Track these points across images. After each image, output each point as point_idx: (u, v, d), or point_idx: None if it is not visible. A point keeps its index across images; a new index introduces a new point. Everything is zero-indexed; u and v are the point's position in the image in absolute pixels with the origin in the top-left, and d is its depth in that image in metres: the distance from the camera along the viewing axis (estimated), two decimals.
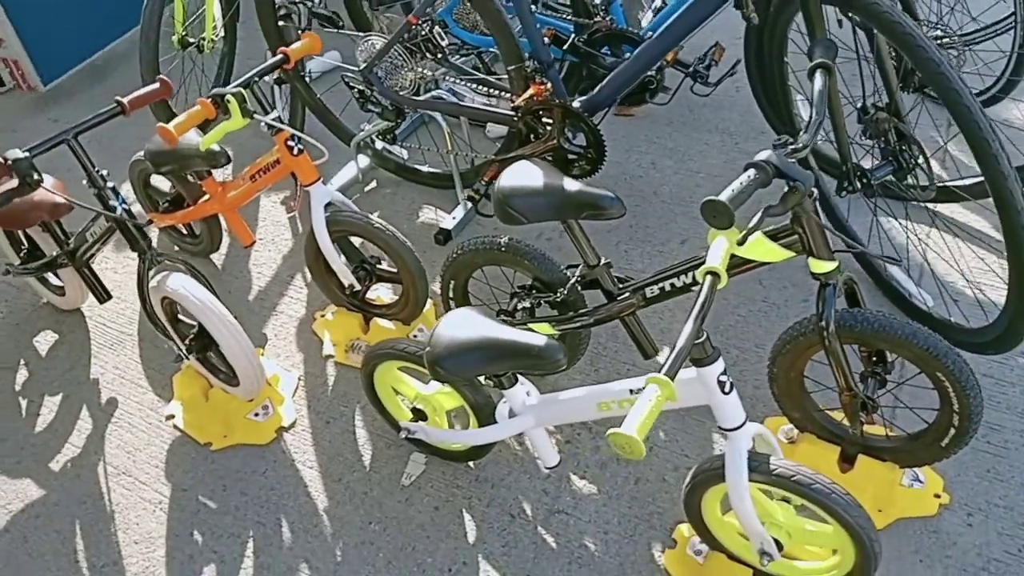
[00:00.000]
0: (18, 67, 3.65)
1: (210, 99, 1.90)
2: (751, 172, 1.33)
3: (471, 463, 1.97)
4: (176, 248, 2.71)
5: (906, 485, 1.79)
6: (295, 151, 2.04)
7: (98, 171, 1.87)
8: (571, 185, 1.74)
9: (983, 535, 1.73)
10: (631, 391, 1.52)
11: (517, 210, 1.75)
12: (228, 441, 2.07)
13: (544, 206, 1.74)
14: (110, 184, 1.89)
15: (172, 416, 2.16)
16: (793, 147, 1.39)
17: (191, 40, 3.21)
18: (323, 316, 2.39)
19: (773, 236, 1.58)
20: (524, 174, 1.78)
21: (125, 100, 1.90)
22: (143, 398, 2.23)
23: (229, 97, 1.89)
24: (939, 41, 2.45)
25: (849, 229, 2.25)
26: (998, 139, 1.52)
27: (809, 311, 1.70)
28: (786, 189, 1.37)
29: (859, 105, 1.99)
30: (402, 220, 2.74)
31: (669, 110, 3.11)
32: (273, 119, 1.98)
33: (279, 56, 2.04)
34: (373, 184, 2.94)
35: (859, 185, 1.96)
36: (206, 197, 2.36)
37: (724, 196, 1.28)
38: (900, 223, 2.18)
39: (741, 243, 1.35)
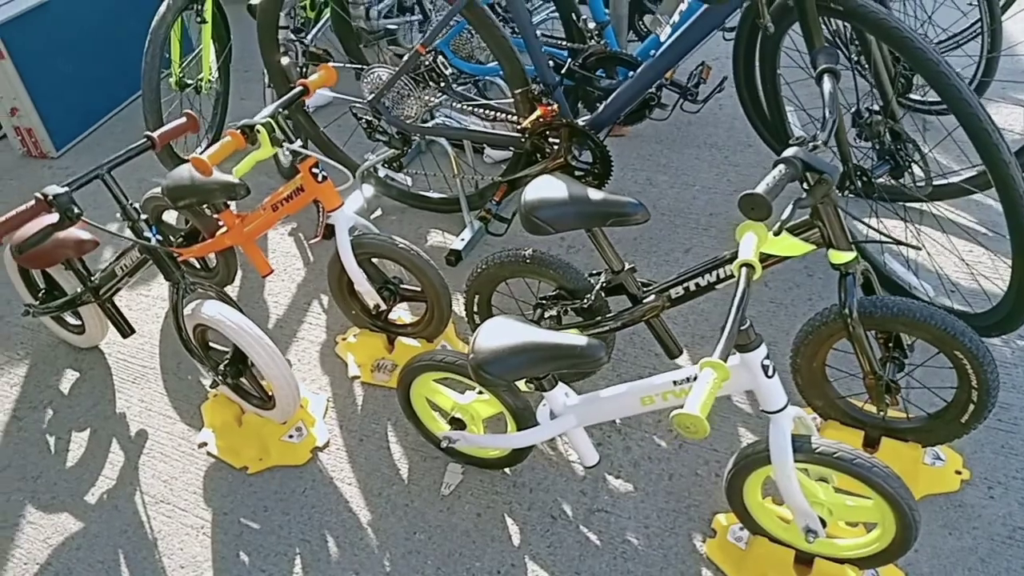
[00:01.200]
0: (31, 135, 3.68)
1: (239, 130, 1.96)
2: (781, 167, 1.42)
3: (507, 470, 2.02)
4: None
5: (928, 464, 1.88)
6: (319, 178, 2.10)
7: (131, 204, 1.91)
8: (595, 195, 1.82)
9: (1005, 506, 1.82)
10: (674, 382, 1.59)
11: (545, 221, 1.82)
12: (264, 464, 2.09)
13: (571, 215, 1.82)
14: (143, 216, 1.93)
15: (205, 443, 2.17)
16: (814, 143, 1.50)
17: (188, 82, 3.28)
18: (344, 339, 2.43)
19: (796, 231, 1.68)
20: (548, 187, 1.86)
21: (155, 135, 1.95)
22: (173, 428, 2.25)
23: (259, 127, 1.96)
24: None
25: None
26: (997, 129, 1.64)
27: (813, 309, 1.80)
28: (814, 182, 1.47)
29: (853, 110, 2.11)
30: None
31: (659, 129, 3.24)
32: (298, 147, 2.05)
33: (299, 88, 2.12)
34: (379, 212, 3.01)
35: (860, 184, 2.08)
36: (223, 229, 2.40)
37: (760, 189, 1.37)
38: (898, 218, 2.29)
39: (777, 234, 1.45)
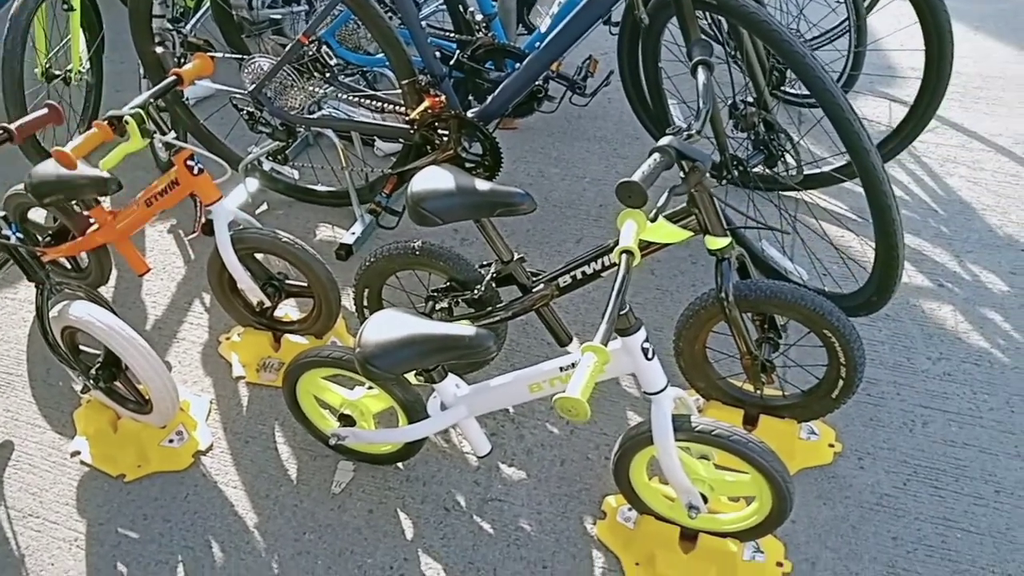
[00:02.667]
0: None
1: (107, 121, 1.86)
2: (656, 156, 1.46)
3: (400, 464, 2.00)
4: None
5: (804, 439, 1.98)
6: (195, 171, 2.02)
7: None
8: (482, 185, 1.82)
9: (874, 475, 1.93)
10: (560, 368, 1.61)
11: (432, 212, 1.81)
12: (143, 471, 2.00)
13: (458, 206, 1.82)
14: (2, 213, 1.80)
15: (78, 452, 2.06)
16: (688, 132, 1.55)
17: (56, 73, 3.09)
18: (228, 339, 2.35)
19: (674, 218, 1.72)
20: (435, 178, 1.84)
21: (13, 127, 1.82)
22: (42, 438, 2.12)
23: (128, 118, 1.86)
24: None
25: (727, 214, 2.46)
26: (859, 119, 1.73)
27: (697, 294, 1.86)
28: (687, 169, 1.51)
29: (729, 102, 2.19)
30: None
31: (549, 122, 3.28)
32: (172, 139, 1.96)
33: (172, 77, 2.02)
34: (264, 207, 2.92)
35: (736, 174, 2.16)
36: (95, 227, 2.28)
37: (636, 177, 1.41)
38: (774, 206, 2.40)
39: (653, 221, 1.48)
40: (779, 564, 1.75)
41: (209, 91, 3.36)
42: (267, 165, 2.89)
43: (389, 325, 1.62)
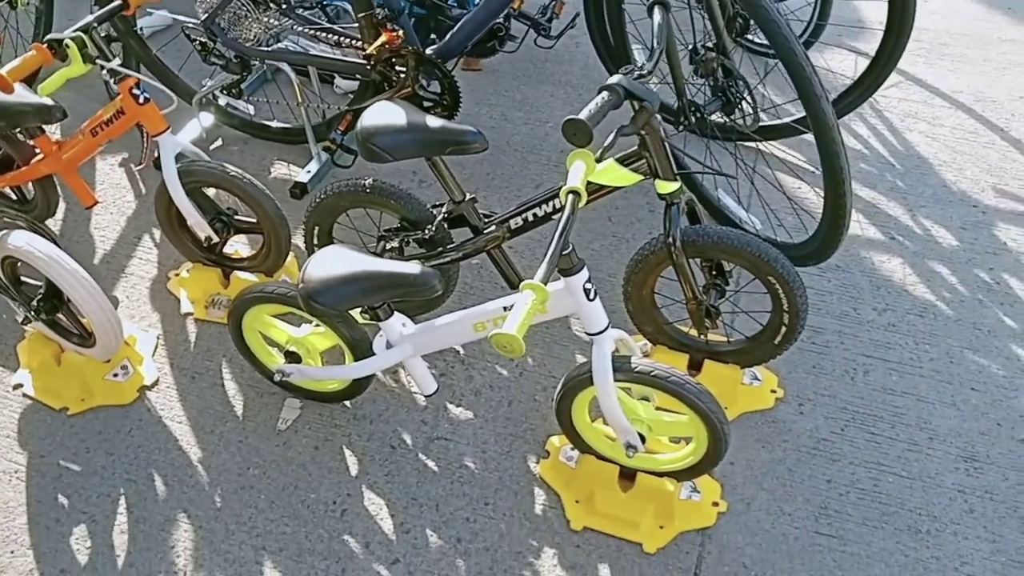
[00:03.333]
0: None
1: (46, 44, 1.80)
2: (604, 94, 1.44)
3: (348, 403, 2.00)
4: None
5: (747, 384, 2.01)
6: (141, 99, 1.96)
7: None
8: (434, 122, 1.79)
9: (813, 421, 1.97)
10: (504, 308, 1.61)
11: (382, 148, 1.78)
12: (87, 404, 1.98)
13: (408, 143, 1.79)
14: None
15: (20, 385, 2.03)
16: (639, 72, 1.53)
17: None
18: (178, 275, 2.32)
19: (624, 162, 1.71)
20: (387, 113, 1.81)
21: None
22: None
23: (68, 42, 1.80)
24: None
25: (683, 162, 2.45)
26: (812, 65, 1.72)
27: None
28: (636, 109, 1.50)
29: (690, 47, 2.17)
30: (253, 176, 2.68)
31: (515, 65, 3.22)
32: (116, 65, 1.90)
33: (118, 1, 1.95)
34: (219, 142, 2.86)
35: (693, 120, 2.14)
36: (40, 156, 2.22)
37: (582, 115, 1.39)
38: (729, 154, 2.39)
39: (599, 161, 1.47)
40: (715, 504, 1.79)
41: (165, 22, 3.27)
42: (223, 100, 2.82)
43: (334, 261, 1.61)
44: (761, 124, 2.24)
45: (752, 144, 2.57)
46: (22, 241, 1.80)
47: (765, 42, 2.80)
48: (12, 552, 1.72)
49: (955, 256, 2.40)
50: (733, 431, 1.93)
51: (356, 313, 1.84)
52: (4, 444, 1.92)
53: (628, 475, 1.78)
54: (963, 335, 2.17)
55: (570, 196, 1.44)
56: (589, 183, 1.72)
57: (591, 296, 1.50)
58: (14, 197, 2.48)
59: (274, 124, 2.78)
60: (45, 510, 1.79)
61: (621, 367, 1.56)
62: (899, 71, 3.18)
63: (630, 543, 1.74)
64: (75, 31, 1.81)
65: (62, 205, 2.54)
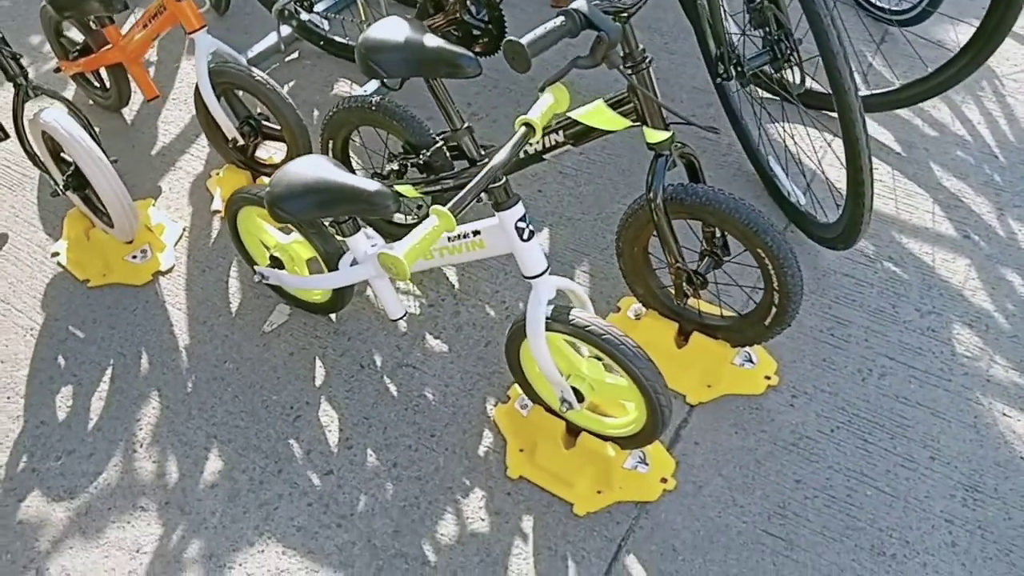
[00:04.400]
0: None
1: None
2: (560, 19, 1.35)
3: (333, 318, 2.04)
4: (90, 102, 2.72)
5: (737, 364, 1.86)
6: None
7: None
8: (431, 41, 1.74)
9: (802, 416, 1.80)
10: (473, 232, 1.54)
11: (377, 64, 1.76)
12: (106, 280, 2.13)
13: (403, 61, 1.75)
14: None
15: (57, 253, 2.22)
16: (621, 4, 1.41)
17: None
18: (218, 174, 2.42)
19: (613, 105, 1.60)
20: (390, 29, 1.78)
21: None
22: (33, 236, 2.29)
23: None
24: None
25: (744, 125, 2.26)
26: (831, 14, 1.52)
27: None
28: (594, 39, 1.38)
29: None
30: (316, 91, 2.74)
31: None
32: None
33: None
34: (295, 55, 2.93)
35: (733, 73, 1.97)
36: (109, 46, 2.36)
37: (524, 39, 1.31)
38: (777, 124, 2.19)
39: (541, 90, 1.38)
40: (663, 480, 1.69)
41: None
42: (304, 16, 2.88)
43: (304, 170, 1.62)
44: (808, 90, 2.01)
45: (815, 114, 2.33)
46: (52, 118, 1.93)
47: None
48: (8, 398, 1.90)
49: None
50: (709, 410, 1.81)
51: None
52: (31, 303, 2.11)
53: (574, 433, 1.71)
54: (1014, 354, 1.90)
55: (522, 128, 1.38)
56: (580, 124, 1.65)
57: (525, 236, 1.43)
58: (96, 84, 2.67)
59: (340, 40, 2.81)
60: (44, 367, 1.96)
61: (557, 316, 1.49)
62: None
63: (562, 501, 1.68)
64: None
65: (138, 97, 2.71)
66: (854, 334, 1.96)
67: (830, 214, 2.10)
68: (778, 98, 2.13)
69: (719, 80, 2.00)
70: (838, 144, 2.07)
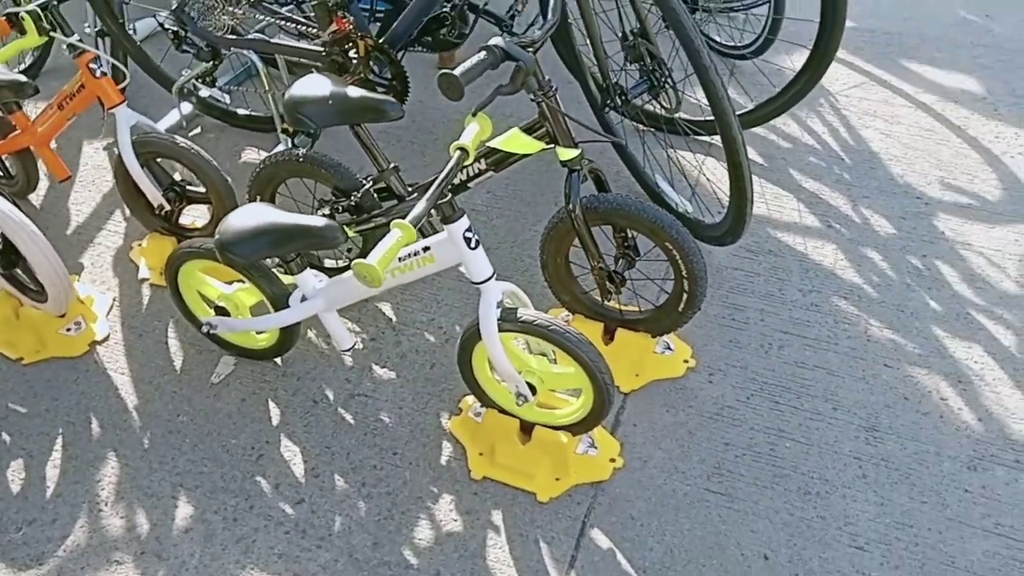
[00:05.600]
0: None
1: (4, 17, 1.97)
2: (482, 53, 1.56)
3: (279, 362, 2.12)
4: None
5: (659, 352, 2.08)
6: (97, 73, 2.13)
7: None
8: (354, 92, 1.92)
9: (720, 390, 2.03)
10: (399, 259, 1.71)
11: (306, 116, 1.91)
12: (40, 355, 2.14)
13: (330, 112, 1.91)
14: None
15: None
16: (524, 38, 1.64)
17: None
18: (140, 244, 2.47)
19: (528, 130, 1.82)
20: (313, 84, 1.94)
21: None
22: None
23: (24, 15, 1.97)
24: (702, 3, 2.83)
25: (628, 151, 2.53)
26: (700, 36, 1.81)
27: None
28: (513, 69, 1.61)
29: (620, 34, 2.27)
30: (224, 161, 2.84)
31: None
32: (75, 41, 2.06)
33: None
34: (197, 130, 3.03)
35: (619, 102, 2.24)
36: (16, 132, 2.40)
37: (457, 71, 1.51)
38: (661, 141, 2.49)
39: (474, 115, 1.58)
40: (612, 460, 1.86)
41: (156, 27, 3.47)
42: (205, 92, 2.99)
43: (249, 216, 1.74)
44: (691, 120, 2.32)
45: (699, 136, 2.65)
46: None
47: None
48: None
49: (890, 243, 2.45)
50: (642, 396, 2.01)
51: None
52: None
53: (527, 429, 1.86)
54: (884, 316, 2.21)
55: (457, 152, 1.56)
56: (498, 151, 1.85)
57: (472, 244, 1.60)
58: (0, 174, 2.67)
59: (242, 112, 2.94)
60: None
61: (507, 317, 1.66)
62: (864, 72, 3.25)
63: (526, 493, 1.82)
64: (33, 6, 1.98)
65: (44, 183, 2.73)
66: (751, 316, 2.23)
67: (713, 217, 2.40)
68: (655, 129, 2.42)
69: (606, 110, 2.27)
70: (710, 161, 2.38)
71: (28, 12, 1.96)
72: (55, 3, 2.05)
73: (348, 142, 2.80)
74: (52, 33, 2.02)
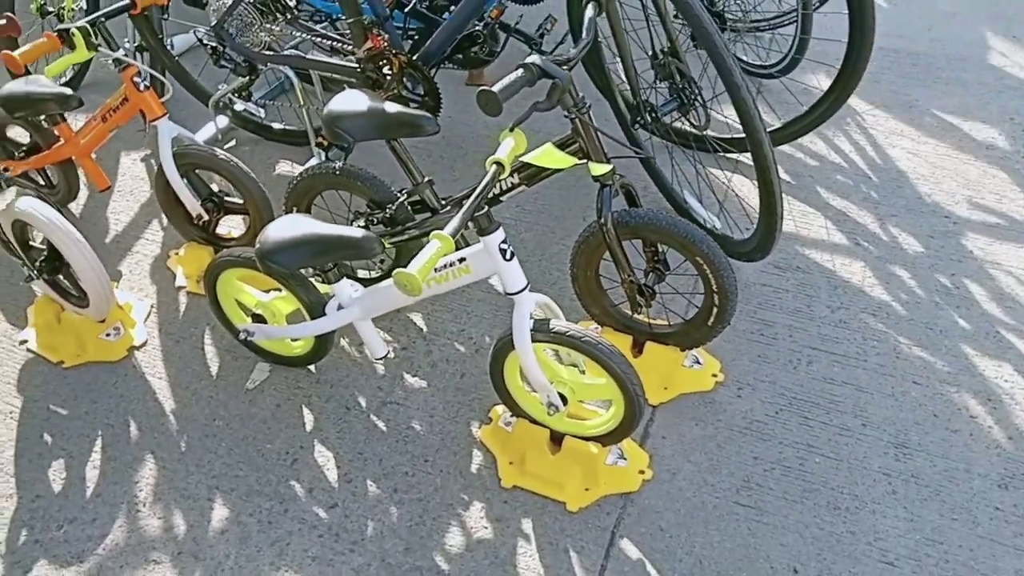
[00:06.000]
0: None
1: (56, 33, 2.04)
2: (520, 71, 1.60)
3: (312, 369, 2.16)
4: None
5: (688, 366, 2.10)
6: (141, 87, 2.19)
7: None
8: (391, 107, 1.97)
9: (749, 404, 2.05)
10: (435, 269, 1.74)
11: (344, 130, 1.96)
12: (80, 359, 2.19)
13: (367, 126, 1.96)
14: None
15: (25, 341, 2.25)
16: (565, 57, 1.68)
17: (50, 9, 3.29)
18: (177, 253, 2.53)
19: (561, 145, 1.86)
20: (351, 99, 1.99)
21: None
22: None
23: (74, 31, 2.04)
24: (729, 23, 2.87)
25: (656, 168, 2.56)
26: (732, 56, 1.84)
27: None
28: (549, 86, 1.64)
29: (650, 53, 2.31)
30: (258, 173, 2.88)
31: None
32: (120, 55, 2.13)
33: (126, 1, 2.20)
34: (232, 143, 3.09)
35: (649, 119, 2.27)
36: (60, 142, 2.47)
37: (496, 88, 1.55)
38: (690, 158, 2.52)
39: (511, 131, 1.62)
40: (641, 472, 1.88)
41: (194, 42, 3.55)
42: (240, 105, 3.06)
43: (288, 227, 1.78)
44: (720, 137, 2.35)
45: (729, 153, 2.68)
46: (28, 206, 2.02)
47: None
48: None
49: (918, 262, 2.46)
50: (670, 409, 2.03)
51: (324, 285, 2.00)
52: (4, 389, 2.13)
53: (557, 439, 1.88)
54: (913, 333, 2.22)
55: (493, 166, 1.60)
56: (532, 166, 1.89)
57: (507, 256, 1.64)
58: (41, 182, 2.74)
59: (277, 126, 3.00)
60: (31, 446, 1.99)
61: (540, 327, 1.69)
62: (890, 91, 3.27)
63: (555, 502, 1.84)
64: (83, 23, 2.05)
65: (84, 192, 2.81)
66: (779, 332, 2.24)
67: (741, 233, 2.42)
68: (685, 146, 2.45)
69: (636, 127, 2.30)
70: (737, 177, 2.40)
71: (79, 28, 2.03)
72: (103, 20, 2.11)
73: (379, 156, 2.88)
74: (100, 48, 2.08)
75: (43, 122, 2.47)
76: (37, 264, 2.13)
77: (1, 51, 1.99)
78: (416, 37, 2.90)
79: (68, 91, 2.24)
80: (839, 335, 2.22)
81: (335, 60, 2.64)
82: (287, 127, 3.01)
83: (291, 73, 2.75)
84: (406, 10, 2.74)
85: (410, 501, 1.85)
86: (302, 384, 2.12)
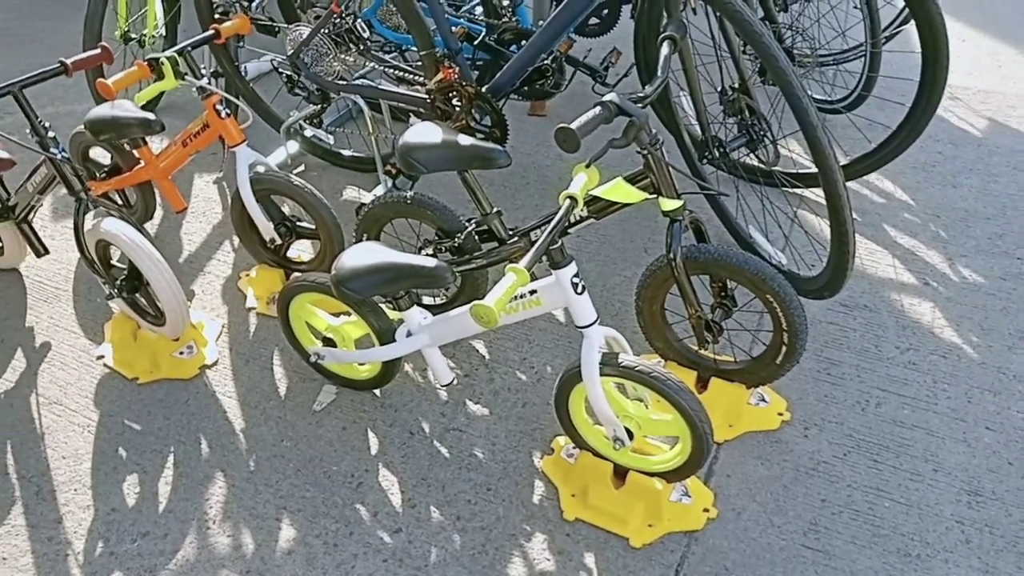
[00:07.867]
0: None
1: (147, 62, 2.13)
2: (597, 109, 1.62)
3: (377, 393, 2.19)
4: None
5: (753, 404, 2.08)
6: (223, 114, 2.27)
7: (40, 121, 2.07)
8: (465, 140, 2.01)
9: (816, 444, 2.02)
10: (530, 292, 1.75)
11: (419, 161, 2.00)
12: (154, 376, 2.25)
13: (441, 158, 2.00)
14: (51, 134, 2.09)
15: (102, 356, 2.33)
16: (640, 95, 1.70)
17: (133, 36, 3.44)
18: (248, 274, 2.60)
19: (631, 180, 1.87)
20: (425, 132, 2.04)
21: (68, 61, 2.11)
22: (76, 342, 2.40)
23: (163, 60, 2.13)
24: (797, 59, 2.86)
25: (721, 203, 2.56)
26: (807, 94, 1.84)
27: None
28: (625, 125, 1.66)
29: (719, 89, 2.32)
30: (326, 198, 2.96)
31: (576, 111, 3.43)
32: (204, 83, 2.21)
33: (210, 32, 2.29)
34: (301, 168, 3.18)
35: (717, 154, 2.28)
36: (140, 165, 2.57)
37: (574, 125, 1.57)
38: (757, 192, 2.51)
39: (587, 167, 1.64)
40: (705, 510, 1.86)
41: (267, 69, 3.67)
42: (310, 131, 3.15)
43: (363, 255, 1.82)
44: (788, 172, 2.34)
45: (792, 189, 2.67)
46: (112, 227, 2.10)
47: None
48: (75, 490, 1.98)
49: (989, 303, 2.41)
50: (735, 447, 2.01)
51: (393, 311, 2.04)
52: (83, 403, 2.20)
53: (621, 473, 1.88)
54: (985, 378, 2.17)
55: (567, 200, 1.62)
56: (601, 200, 1.90)
57: (579, 290, 1.65)
58: (120, 202, 2.84)
59: (347, 152, 3.07)
60: (106, 459, 2.05)
61: (608, 361, 1.69)
62: (959, 129, 3.22)
63: (618, 537, 1.83)
64: (171, 52, 2.14)
65: (160, 212, 2.91)
66: (847, 372, 2.21)
67: (808, 269, 2.40)
68: (752, 181, 2.45)
69: (704, 162, 2.31)
70: (803, 211, 2.38)
71: (167, 58, 2.12)
72: (189, 49, 2.20)
73: (443, 185, 2.93)
74: (186, 77, 2.17)
75: (125, 145, 2.56)
76: (118, 283, 2.20)
77: (96, 79, 2.08)
78: (482, 68, 2.96)
79: (151, 116, 2.33)
80: (908, 377, 2.18)
81: (405, 90, 2.70)
82: (356, 154, 3.08)
83: (362, 102, 2.83)
84: (475, 43, 2.80)
85: (473, 529, 1.86)
86: (367, 408, 2.16)
